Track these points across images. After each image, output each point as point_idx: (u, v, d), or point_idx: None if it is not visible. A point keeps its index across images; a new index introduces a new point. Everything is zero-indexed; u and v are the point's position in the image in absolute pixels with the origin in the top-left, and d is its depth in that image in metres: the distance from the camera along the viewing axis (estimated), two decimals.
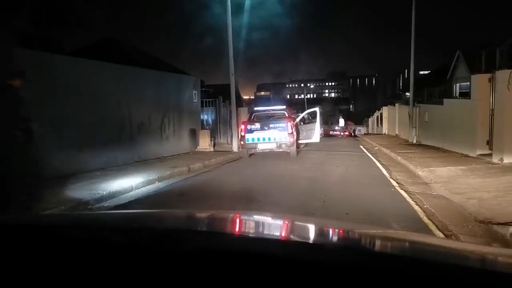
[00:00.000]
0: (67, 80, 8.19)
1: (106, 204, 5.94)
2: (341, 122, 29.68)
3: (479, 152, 9.29)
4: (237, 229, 1.48)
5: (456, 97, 16.70)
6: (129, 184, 7.08)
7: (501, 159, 8.01)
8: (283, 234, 1.43)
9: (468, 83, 12.16)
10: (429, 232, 4.22)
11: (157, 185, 7.52)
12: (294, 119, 12.39)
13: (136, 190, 6.99)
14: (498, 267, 1.06)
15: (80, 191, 6.37)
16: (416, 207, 5.34)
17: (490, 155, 8.66)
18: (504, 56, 12.94)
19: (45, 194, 6.06)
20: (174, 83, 12.72)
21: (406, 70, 50.31)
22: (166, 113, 11.87)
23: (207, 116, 16.57)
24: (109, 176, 7.84)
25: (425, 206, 5.38)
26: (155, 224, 1.44)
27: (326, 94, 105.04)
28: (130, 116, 10.20)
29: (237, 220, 1.60)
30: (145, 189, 7.12)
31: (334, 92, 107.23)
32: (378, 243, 1.30)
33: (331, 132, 38.26)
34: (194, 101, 13.74)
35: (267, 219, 1.78)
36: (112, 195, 6.40)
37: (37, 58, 7.65)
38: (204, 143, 13.23)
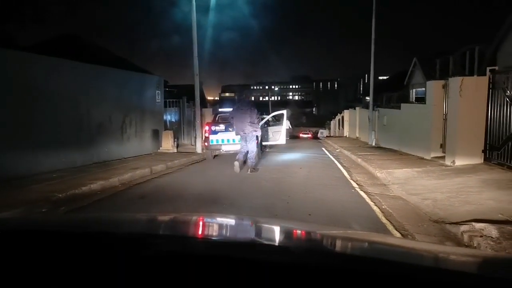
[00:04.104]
0: (20, 76, 7.79)
1: (62, 208, 5.68)
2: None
3: (433, 154, 9.76)
4: (200, 232, 1.46)
5: (412, 102, 17.47)
6: (86, 185, 6.82)
7: (453, 162, 8.45)
8: (247, 237, 1.43)
9: (424, 88, 12.74)
10: (387, 231, 4.38)
11: (116, 187, 7.30)
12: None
13: (95, 192, 6.74)
14: (450, 265, 1.12)
15: (34, 194, 6.06)
16: (375, 208, 5.52)
17: (443, 157, 9.11)
18: (457, 64, 13.70)
19: None
20: (137, 82, 12.42)
21: (366, 75, 52.03)
22: (128, 113, 11.56)
23: (170, 117, 16.31)
24: (66, 177, 7.52)
25: (383, 207, 5.58)
26: (116, 228, 1.40)
27: (290, 97, 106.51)
28: (89, 116, 9.85)
29: (201, 223, 1.59)
30: (104, 191, 6.88)
31: (298, 95, 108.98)
32: (339, 244, 1.33)
33: (300, 135, 39.05)
34: (157, 101, 13.48)
35: (230, 221, 1.77)
36: (70, 197, 6.14)
37: None
38: (167, 144, 13.01)
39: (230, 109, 13.82)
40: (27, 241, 1.05)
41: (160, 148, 13.06)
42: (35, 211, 5.33)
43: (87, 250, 0.98)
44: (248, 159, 8.90)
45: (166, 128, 14.20)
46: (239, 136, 11.06)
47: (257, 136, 8.97)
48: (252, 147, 8.83)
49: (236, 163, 8.68)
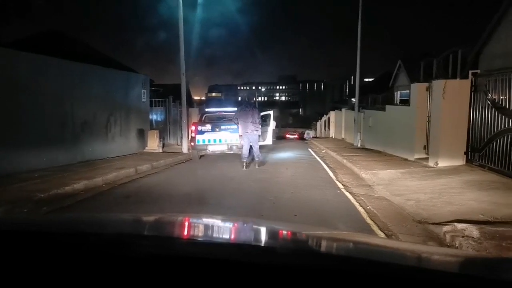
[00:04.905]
0: (3, 73, 7.62)
1: (44, 208, 5.57)
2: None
3: (417, 156, 9.91)
4: (187, 233, 1.45)
5: (397, 104, 17.69)
6: (69, 185, 6.70)
7: (436, 163, 8.59)
8: (233, 238, 1.43)
9: (408, 91, 12.93)
10: (371, 232, 4.43)
11: (100, 187, 7.20)
12: None
13: (78, 192, 6.63)
14: (433, 265, 1.14)
15: (15, 193, 5.93)
16: (360, 208, 5.58)
17: (426, 159, 9.26)
18: (440, 67, 13.94)
19: None
20: (122, 81, 12.27)
21: (352, 77, 52.58)
22: (113, 112, 11.41)
23: (156, 116, 16.16)
24: (49, 176, 7.37)
25: (368, 207, 5.64)
26: (100, 228, 1.38)
27: (277, 97, 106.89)
28: (73, 114, 9.69)
29: (187, 224, 1.58)
30: (88, 191, 6.78)
31: (285, 96, 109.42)
32: (325, 244, 1.34)
33: (287, 135, 39.20)
34: (143, 100, 13.35)
35: (217, 222, 1.77)
36: (52, 197, 6.02)
37: None
38: (153, 143, 12.89)
39: (218, 109, 13.90)
40: (7, 243, 1.03)
41: (146, 147, 12.93)
42: (17, 211, 5.22)
43: (70, 252, 0.97)
44: (255, 157, 9.86)
45: (152, 128, 14.06)
46: (226, 137, 11.14)
47: (258, 136, 9.93)
48: (255, 145, 9.75)
49: (244, 162, 9.47)
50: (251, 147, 9.77)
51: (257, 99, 64.23)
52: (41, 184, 6.70)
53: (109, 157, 10.66)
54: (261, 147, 14.18)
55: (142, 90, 13.28)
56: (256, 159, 9.87)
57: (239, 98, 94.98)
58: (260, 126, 9.83)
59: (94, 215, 2.69)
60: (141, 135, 12.98)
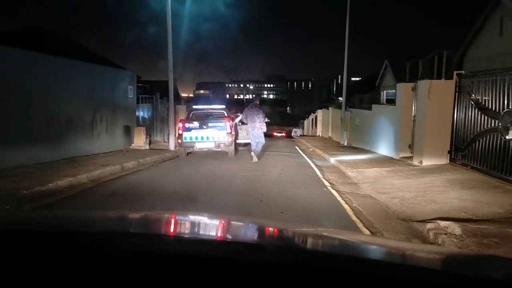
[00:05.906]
0: None
1: (27, 205, 5.47)
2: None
3: (402, 155, 10.05)
4: (173, 231, 1.45)
5: (383, 104, 17.88)
6: (53, 182, 6.59)
7: (421, 162, 8.73)
8: (221, 235, 1.43)
9: (394, 90, 13.08)
10: (357, 229, 4.48)
11: (85, 184, 7.10)
12: (233, 119, 12.41)
13: (62, 189, 6.53)
14: (416, 261, 1.17)
15: None
16: (346, 206, 5.64)
17: (411, 157, 9.40)
18: (425, 68, 14.15)
19: None
20: (108, 77, 12.10)
21: (339, 76, 52.93)
22: (99, 108, 11.26)
23: (143, 113, 16.01)
24: (32, 173, 7.24)
25: (353, 205, 5.71)
26: (87, 227, 1.36)
27: (265, 96, 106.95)
28: (58, 110, 9.52)
29: (174, 221, 1.57)
30: (72, 188, 6.68)
31: (273, 94, 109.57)
32: (312, 241, 1.36)
33: (274, 133, 39.02)
34: (130, 96, 13.19)
35: (204, 219, 1.77)
36: (35, 194, 5.92)
37: None
38: (139, 140, 12.76)
39: (206, 107, 13.89)
40: None
41: (132, 144, 12.80)
42: None
43: (56, 251, 0.95)
44: (256, 147, 10.81)
45: (138, 124, 13.92)
46: (213, 134, 11.15)
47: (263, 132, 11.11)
48: (261, 140, 10.89)
49: (253, 154, 10.55)
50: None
51: (245, 97, 64.14)
52: (24, 181, 6.57)
53: (94, 154, 10.52)
54: (246, 145, 14.29)
55: (129, 87, 13.13)
56: (257, 150, 10.85)
57: (227, 96, 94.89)
58: (265, 124, 11.05)
59: (79, 213, 2.66)
60: (128, 131, 12.85)
